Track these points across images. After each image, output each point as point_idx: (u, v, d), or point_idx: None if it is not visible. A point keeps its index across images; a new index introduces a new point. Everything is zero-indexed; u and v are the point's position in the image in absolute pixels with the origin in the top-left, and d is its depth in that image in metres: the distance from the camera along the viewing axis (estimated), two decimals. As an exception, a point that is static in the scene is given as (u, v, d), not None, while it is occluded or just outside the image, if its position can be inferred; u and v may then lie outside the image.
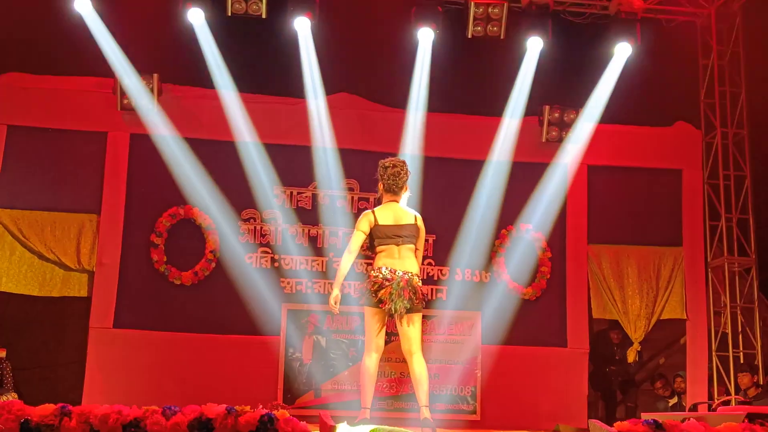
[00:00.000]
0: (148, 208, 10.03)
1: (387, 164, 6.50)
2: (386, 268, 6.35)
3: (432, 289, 10.27)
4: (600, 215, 10.74)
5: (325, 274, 10.20)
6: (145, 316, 9.87)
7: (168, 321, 9.91)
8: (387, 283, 6.28)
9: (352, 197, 10.40)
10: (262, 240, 10.19)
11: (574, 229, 10.66)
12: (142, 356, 9.72)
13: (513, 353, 10.24)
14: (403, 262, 6.38)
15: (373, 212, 6.48)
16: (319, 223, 10.30)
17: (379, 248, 6.44)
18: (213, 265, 10.04)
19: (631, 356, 10.71)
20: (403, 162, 6.58)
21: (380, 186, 6.55)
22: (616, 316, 10.66)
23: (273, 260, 10.16)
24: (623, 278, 10.68)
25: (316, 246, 10.27)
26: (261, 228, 10.20)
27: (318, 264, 10.23)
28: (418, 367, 6.33)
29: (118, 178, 9.99)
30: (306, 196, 10.34)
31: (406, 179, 6.51)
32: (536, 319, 10.49)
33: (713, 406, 7.21)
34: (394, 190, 6.50)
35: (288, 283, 10.14)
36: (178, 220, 10.06)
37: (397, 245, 6.39)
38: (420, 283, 6.43)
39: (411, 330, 6.37)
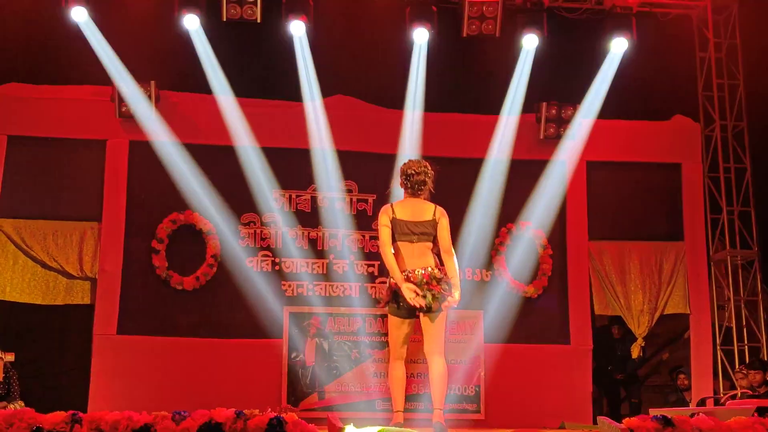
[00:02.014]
0: (149, 215, 10.02)
1: (410, 172, 6.38)
2: (404, 271, 6.21)
3: (434, 289, 10.25)
4: (600, 211, 10.72)
5: (326, 276, 10.19)
6: (148, 322, 9.86)
7: (171, 326, 9.91)
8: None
9: (351, 198, 10.39)
10: (263, 243, 10.18)
11: (575, 225, 10.64)
12: (146, 362, 9.71)
13: (516, 351, 10.22)
14: (419, 260, 6.24)
15: (392, 205, 6.38)
16: (319, 225, 10.29)
17: (396, 244, 6.31)
18: (214, 269, 10.03)
19: (635, 352, 10.69)
20: (426, 165, 6.44)
21: (401, 185, 6.45)
22: (619, 312, 10.63)
23: (274, 263, 10.15)
24: (625, 274, 10.65)
25: (316, 248, 10.26)
26: (261, 231, 10.19)
27: (319, 266, 10.22)
28: (437, 368, 6.23)
29: (119, 185, 9.98)
30: (305, 199, 10.33)
31: (431, 182, 6.41)
32: (538, 316, 10.48)
33: (721, 401, 7.20)
34: (417, 194, 6.41)
35: (289, 285, 10.13)
36: (178, 226, 10.05)
37: (412, 242, 6.27)
38: (444, 275, 6.25)
39: (433, 329, 6.25)
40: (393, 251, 6.35)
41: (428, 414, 6.63)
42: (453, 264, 6.35)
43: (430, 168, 6.46)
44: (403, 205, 6.39)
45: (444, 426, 6.16)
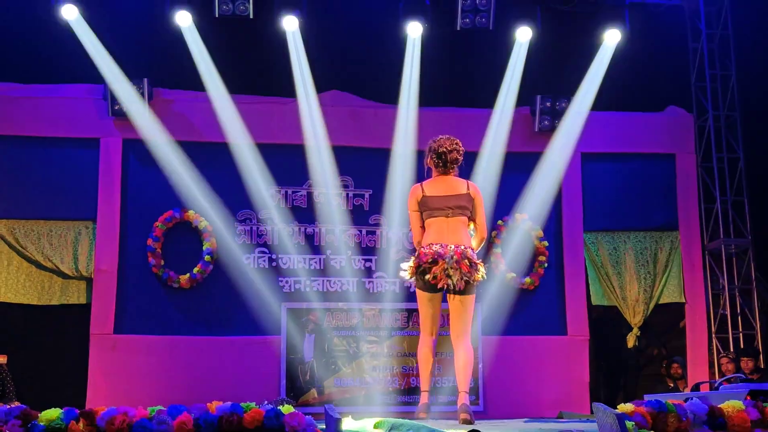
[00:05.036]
0: (144, 213, 10.02)
1: (441, 150, 6.03)
2: (436, 244, 5.87)
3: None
4: (595, 202, 10.76)
5: (323, 271, 10.20)
6: (144, 320, 9.88)
7: (168, 325, 9.92)
8: (440, 259, 5.81)
9: (348, 194, 10.39)
10: (260, 240, 10.19)
11: (570, 217, 10.67)
12: (143, 361, 9.73)
13: (513, 343, 10.28)
14: (455, 235, 5.90)
15: (421, 185, 6.09)
16: (316, 221, 10.29)
17: (427, 221, 6.00)
18: (211, 267, 10.03)
19: (631, 342, 10.73)
20: (458, 142, 6.12)
21: (430, 163, 6.12)
22: (615, 302, 10.67)
23: (271, 260, 10.16)
24: (621, 264, 10.70)
25: (313, 244, 10.27)
26: (258, 228, 10.19)
27: (316, 262, 10.23)
28: (463, 351, 5.98)
29: (113, 184, 9.98)
30: (301, 195, 10.33)
31: (461, 158, 6.09)
32: (535, 308, 10.52)
33: (716, 385, 7.24)
34: (447, 168, 6.08)
35: (287, 282, 10.14)
36: (174, 224, 10.05)
37: (447, 217, 5.95)
38: (476, 258, 5.94)
39: (460, 311, 5.96)
40: (423, 230, 6.06)
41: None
42: (479, 245, 6.13)
43: (461, 145, 6.16)
44: (433, 183, 6.09)
45: (469, 407, 5.87)
